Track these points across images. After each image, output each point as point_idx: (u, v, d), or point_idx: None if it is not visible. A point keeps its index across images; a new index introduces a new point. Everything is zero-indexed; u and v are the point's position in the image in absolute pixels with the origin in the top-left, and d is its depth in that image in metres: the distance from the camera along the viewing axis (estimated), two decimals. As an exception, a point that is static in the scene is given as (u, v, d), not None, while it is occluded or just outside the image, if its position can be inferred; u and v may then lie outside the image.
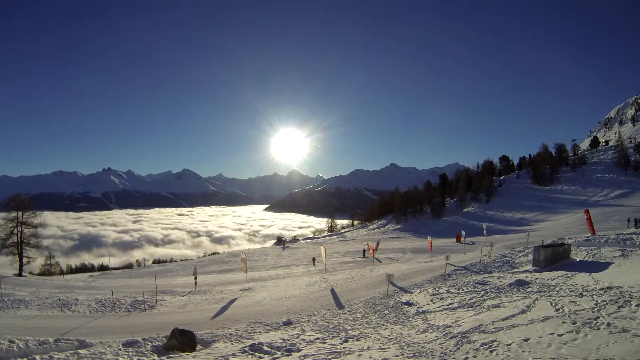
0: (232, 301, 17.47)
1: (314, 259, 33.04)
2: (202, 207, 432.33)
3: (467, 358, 7.06)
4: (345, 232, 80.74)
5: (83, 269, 71.76)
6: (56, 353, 8.11)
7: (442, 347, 7.81)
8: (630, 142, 72.07)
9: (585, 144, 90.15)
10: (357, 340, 9.09)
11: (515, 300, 10.95)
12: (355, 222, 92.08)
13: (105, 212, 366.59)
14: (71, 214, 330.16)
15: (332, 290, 17.87)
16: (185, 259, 69.62)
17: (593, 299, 9.92)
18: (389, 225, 74.31)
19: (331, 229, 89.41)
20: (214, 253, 76.53)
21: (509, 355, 6.80)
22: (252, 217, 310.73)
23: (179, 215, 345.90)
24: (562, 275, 14.10)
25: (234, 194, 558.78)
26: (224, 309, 15.74)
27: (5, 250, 34.73)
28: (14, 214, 34.63)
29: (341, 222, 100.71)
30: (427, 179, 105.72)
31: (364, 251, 35.08)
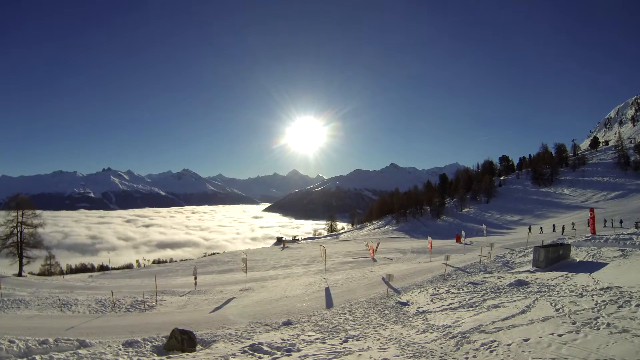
0: (232, 301, 17.47)
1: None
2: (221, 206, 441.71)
3: (467, 358, 7.07)
4: (340, 233, 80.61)
5: (83, 269, 71.71)
6: (56, 353, 8.11)
7: (442, 347, 7.81)
8: (630, 142, 72.06)
9: (585, 144, 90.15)
10: (357, 340, 9.09)
11: (515, 301, 10.95)
12: (354, 223, 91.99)
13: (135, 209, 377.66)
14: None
15: (332, 291, 17.87)
16: (185, 259, 69.63)
17: (593, 299, 9.92)
18: (389, 226, 74.22)
19: (331, 230, 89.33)
20: (214, 253, 76.48)
21: (508, 356, 6.80)
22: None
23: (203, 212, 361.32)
24: (562, 276, 14.09)
25: (234, 194, 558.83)
26: (223, 309, 15.75)
27: (5, 251, 34.69)
28: (14, 214, 34.61)
29: (341, 224, 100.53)
30: (427, 179, 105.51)
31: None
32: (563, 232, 33.17)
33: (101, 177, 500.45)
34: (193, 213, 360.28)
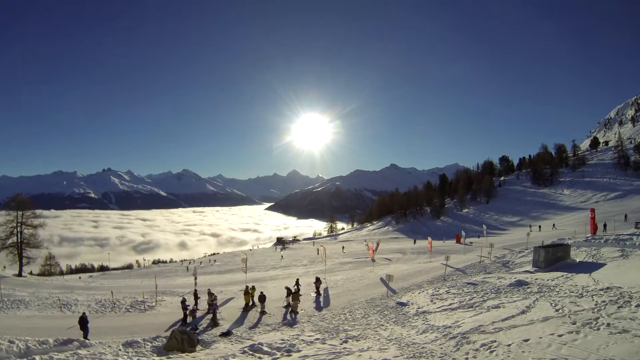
0: (232, 302, 17.45)
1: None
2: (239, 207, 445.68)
3: (467, 358, 7.06)
4: (339, 234, 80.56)
5: (83, 269, 71.69)
6: (56, 353, 8.11)
7: (442, 348, 7.80)
8: (630, 142, 71.89)
9: (585, 145, 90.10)
10: (357, 340, 9.08)
11: (515, 301, 10.94)
12: (354, 223, 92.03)
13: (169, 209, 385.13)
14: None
15: (332, 291, 17.85)
16: (185, 260, 69.57)
17: (593, 300, 9.92)
18: (388, 227, 74.21)
19: (331, 230, 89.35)
20: (214, 254, 76.44)
21: (508, 356, 6.80)
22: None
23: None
24: (562, 276, 14.08)
25: (235, 195, 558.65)
26: (223, 309, 15.71)
27: (5, 251, 34.64)
28: (14, 214, 34.57)
29: (341, 224, 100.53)
30: (427, 180, 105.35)
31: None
32: (605, 229, 30.16)
33: (101, 177, 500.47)
34: (216, 213, 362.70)
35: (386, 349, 8.16)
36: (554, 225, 31.49)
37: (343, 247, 45.95)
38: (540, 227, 29.69)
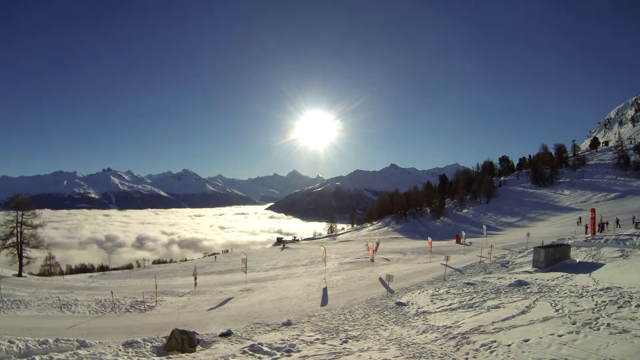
0: (232, 302, 17.47)
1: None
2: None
3: (467, 359, 7.07)
4: (339, 234, 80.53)
5: (83, 269, 71.70)
6: (56, 353, 8.11)
7: (442, 348, 7.81)
8: (630, 142, 71.86)
9: (585, 145, 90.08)
10: (357, 340, 9.08)
11: (515, 301, 10.96)
12: (354, 224, 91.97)
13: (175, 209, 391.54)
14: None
15: (332, 291, 17.86)
16: (185, 260, 69.59)
17: (593, 300, 9.93)
18: (388, 227, 74.19)
19: (331, 231, 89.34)
20: (214, 254, 76.47)
21: (508, 356, 6.81)
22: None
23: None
24: (562, 276, 14.10)
25: (234, 195, 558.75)
26: (223, 309, 15.74)
27: (5, 251, 34.64)
28: (14, 214, 34.58)
29: (341, 224, 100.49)
30: (427, 180, 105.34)
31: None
32: (604, 229, 30.03)
33: (101, 177, 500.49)
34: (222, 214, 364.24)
35: (386, 349, 8.17)
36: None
37: (368, 244, 44.93)
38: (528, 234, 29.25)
